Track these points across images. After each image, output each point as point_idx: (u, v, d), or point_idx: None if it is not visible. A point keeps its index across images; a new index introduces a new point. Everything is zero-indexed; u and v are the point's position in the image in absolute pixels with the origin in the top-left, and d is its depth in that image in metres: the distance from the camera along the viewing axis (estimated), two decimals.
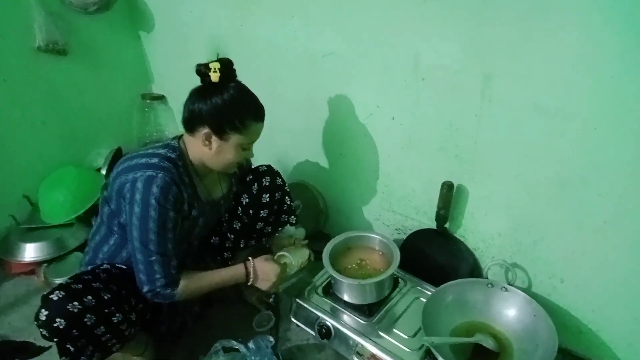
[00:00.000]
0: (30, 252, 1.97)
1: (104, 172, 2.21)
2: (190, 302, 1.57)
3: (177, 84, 2.39)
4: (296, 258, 1.59)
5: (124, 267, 1.38)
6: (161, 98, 2.43)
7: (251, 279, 1.44)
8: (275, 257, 1.56)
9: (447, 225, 1.63)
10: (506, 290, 1.43)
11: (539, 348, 1.28)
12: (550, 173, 1.32)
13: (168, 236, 1.28)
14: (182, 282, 1.32)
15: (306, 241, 1.72)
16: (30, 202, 2.12)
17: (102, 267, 1.35)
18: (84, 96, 2.27)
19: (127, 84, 2.45)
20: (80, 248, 1.97)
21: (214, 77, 1.27)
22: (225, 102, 1.27)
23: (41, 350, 1.62)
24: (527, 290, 1.46)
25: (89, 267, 1.38)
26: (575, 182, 1.28)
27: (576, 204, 1.31)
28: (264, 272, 1.45)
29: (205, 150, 1.33)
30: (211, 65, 1.27)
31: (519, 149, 1.35)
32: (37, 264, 1.95)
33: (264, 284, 1.46)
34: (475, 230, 1.59)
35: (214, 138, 1.31)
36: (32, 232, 2.02)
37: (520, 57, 1.24)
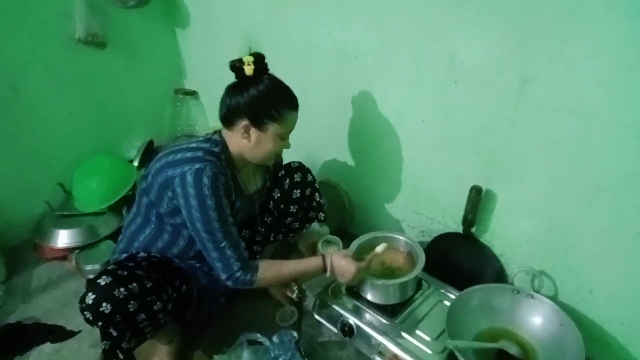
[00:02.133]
0: (64, 238, 2.03)
1: (136, 163, 2.27)
2: (217, 293, 1.60)
3: (209, 81, 2.44)
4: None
5: (158, 256, 1.41)
6: (193, 94, 2.48)
7: (329, 271, 1.43)
8: (319, 244, 1.57)
9: (473, 230, 1.62)
10: (532, 297, 1.41)
11: (564, 358, 1.26)
12: (584, 180, 1.30)
13: (229, 221, 1.31)
14: (260, 268, 1.35)
15: (334, 238, 1.71)
16: (64, 189, 2.18)
17: (139, 256, 1.39)
18: (119, 88, 2.34)
19: (160, 78, 2.51)
20: (111, 236, 2.02)
21: (249, 70, 1.31)
22: (261, 93, 1.31)
23: (71, 334, 1.67)
24: (554, 299, 1.44)
25: (124, 255, 1.43)
26: (610, 191, 1.26)
27: (610, 214, 1.28)
28: (340, 266, 1.42)
29: (244, 142, 1.37)
30: (245, 59, 1.31)
31: (553, 154, 1.33)
32: (70, 250, 2.01)
33: (339, 278, 1.45)
34: (502, 235, 1.58)
35: (252, 129, 1.34)
36: (66, 218, 2.08)
37: (558, 60, 1.22)
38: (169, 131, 2.51)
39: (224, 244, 1.29)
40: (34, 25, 1.96)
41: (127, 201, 2.10)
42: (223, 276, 1.32)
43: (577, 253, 1.40)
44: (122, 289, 1.18)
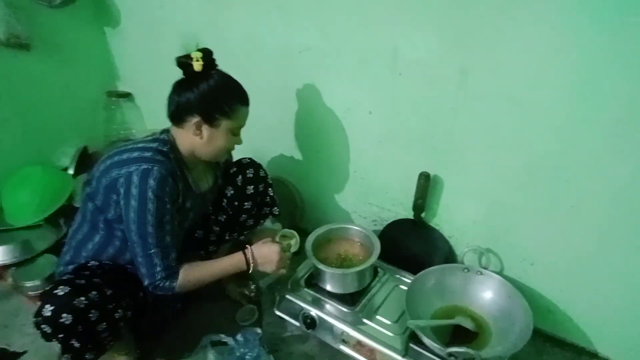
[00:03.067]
0: None
1: (71, 171, 2.15)
2: (172, 298, 1.55)
3: (145, 81, 2.36)
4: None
5: (110, 263, 1.36)
6: (127, 96, 2.39)
7: (252, 265, 1.40)
8: (276, 238, 1.56)
9: (423, 215, 1.70)
10: (481, 274, 1.51)
11: (515, 327, 1.35)
12: (521, 162, 1.40)
13: (166, 229, 1.27)
14: (181, 274, 1.31)
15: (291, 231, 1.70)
16: None
17: (91, 264, 1.34)
18: (47, 93, 2.20)
19: (91, 81, 2.39)
20: (50, 250, 1.90)
21: (197, 66, 1.28)
22: (211, 88, 1.30)
23: (16, 355, 1.56)
24: (500, 274, 1.54)
25: (71, 267, 1.35)
26: (545, 170, 1.37)
27: (545, 190, 1.40)
28: (263, 255, 1.41)
29: (196, 140, 1.34)
30: (193, 55, 1.29)
31: (492, 139, 1.42)
32: (5, 267, 1.87)
33: (268, 267, 1.42)
34: (450, 219, 1.67)
35: (204, 126, 1.32)
36: None
37: (495, 51, 1.30)
38: (103, 136, 2.41)
39: (153, 251, 1.26)
40: None
41: (65, 212, 1.98)
42: (145, 282, 1.28)
43: (518, 230, 1.52)
44: (82, 298, 1.14)
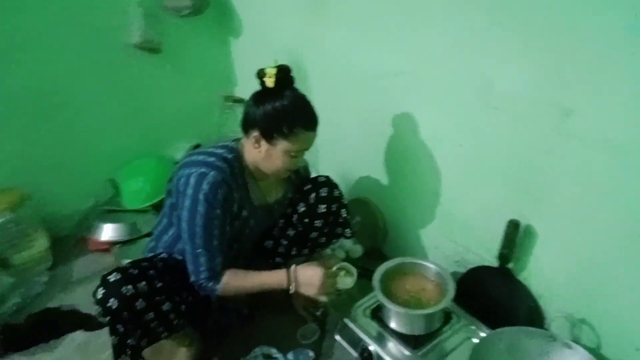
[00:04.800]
0: (108, 232, 2.13)
1: (177, 167, 2.34)
2: (240, 303, 1.60)
3: (257, 89, 2.48)
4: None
5: (179, 257, 1.43)
6: (242, 101, 2.52)
7: (292, 285, 1.38)
8: (332, 267, 1.54)
9: (510, 266, 1.52)
10: (569, 347, 1.30)
11: None
12: (622, 223, 1.19)
13: (214, 233, 1.32)
14: (224, 278, 1.35)
15: (351, 267, 1.59)
16: (113, 185, 2.28)
17: (160, 256, 1.43)
18: (170, 93, 2.41)
19: (211, 85, 2.57)
20: (150, 235, 2.09)
21: (269, 82, 1.30)
22: (275, 107, 1.29)
23: (100, 325, 1.73)
24: (594, 352, 1.31)
25: (149, 254, 1.47)
26: None
27: None
28: (306, 276, 1.38)
29: (256, 152, 1.37)
30: (267, 71, 1.31)
31: (590, 191, 1.23)
32: (112, 243, 2.10)
33: (308, 289, 1.39)
34: (540, 275, 1.46)
35: (262, 141, 1.33)
36: (111, 214, 2.18)
37: (602, 92, 1.13)
38: (216, 136, 2.57)
39: (199, 250, 1.31)
40: (92, 32, 2.07)
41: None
42: (191, 279, 1.34)
43: (621, 303, 1.27)
44: (129, 287, 1.21)
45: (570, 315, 1.37)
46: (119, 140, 2.29)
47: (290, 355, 1.44)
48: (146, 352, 1.36)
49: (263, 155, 1.36)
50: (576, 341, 1.31)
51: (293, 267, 1.39)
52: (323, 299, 1.41)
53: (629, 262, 1.23)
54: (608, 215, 1.23)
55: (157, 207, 2.17)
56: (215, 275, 1.34)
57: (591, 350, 1.29)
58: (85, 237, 2.15)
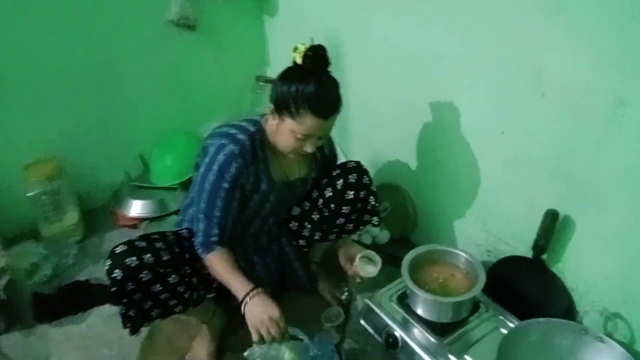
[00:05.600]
0: (137, 208, 2.16)
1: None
2: (264, 283, 1.60)
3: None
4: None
5: None
6: (274, 81, 2.51)
7: (243, 304, 1.30)
8: (356, 259, 1.54)
9: (544, 257, 1.49)
10: (602, 341, 1.26)
11: None
12: None
13: (217, 204, 1.35)
14: (212, 254, 1.37)
15: (375, 255, 1.58)
16: (143, 162, 2.31)
17: (176, 231, 1.47)
18: (204, 71, 2.42)
19: (244, 64, 2.56)
20: (178, 212, 2.11)
21: (297, 58, 1.29)
22: (291, 84, 1.28)
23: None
24: (627, 347, 1.28)
25: (176, 229, 1.50)
26: None
27: None
28: (257, 307, 1.29)
29: (270, 124, 1.37)
30: (298, 46, 1.29)
31: None
32: (141, 219, 2.13)
33: (249, 317, 1.29)
34: (576, 268, 1.43)
35: (276, 115, 1.33)
36: (141, 190, 2.21)
37: None
38: (247, 116, 2.57)
39: (201, 215, 1.36)
40: (131, 8, 2.08)
41: None
42: (193, 239, 1.40)
43: None
44: (133, 258, 1.22)
45: (605, 309, 1.33)
46: (153, 116, 2.32)
47: (316, 337, 1.43)
48: (170, 328, 1.38)
49: (274, 128, 1.36)
50: (609, 336, 1.28)
51: (257, 290, 1.31)
52: (254, 335, 1.28)
53: None
54: None
55: (186, 185, 2.19)
56: (208, 244, 1.37)
57: (624, 345, 1.26)
58: (115, 212, 2.18)
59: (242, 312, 1.31)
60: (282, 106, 1.30)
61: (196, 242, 1.39)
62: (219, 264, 1.38)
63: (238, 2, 2.35)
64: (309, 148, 1.36)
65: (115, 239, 2.11)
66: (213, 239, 1.37)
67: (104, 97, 2.15)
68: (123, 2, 2.05)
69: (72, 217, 2.07)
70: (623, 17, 1.11)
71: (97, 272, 1.91)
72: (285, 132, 1.33)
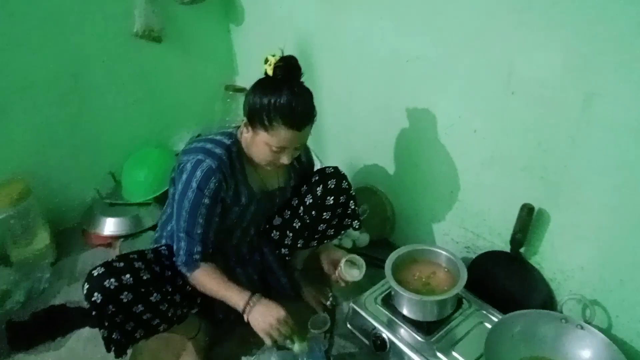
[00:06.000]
0: (110, 226, 2.10)
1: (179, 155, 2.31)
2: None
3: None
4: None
5: None
6: (243, 90, 2.50)
7: (246, 313, 1.30)
8: (341, 263, 1.54)
9: (522, 250, 1.53)
10: (582, 328, 1.31)
11: None
12: None
13: (199, 221, 1.33)
14: (197, 272, 1.36)
15: (360, 259, 1.57)
16: (114, 178, 2.26)
17: (154, 248, 1.44)
18: (172, 82, 2.39)
19: (213, 74, 2.55)
20: (155, 227, 2.06)
21: (268, 70, 1.27)
22: (263, 97, 1.25)
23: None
24: (606, 332, 1.33)
25: (155, 245, 1.47)
26: None
27: None
28: (261, 312, 1.29)
29: (245, 137, 1.36)
30: (269, 59, 1.27)
31: (616, 178, 1.23)
32: (115, 237, 2.08)
33: (257, 324, 1.29)
34: (553, 259, 1.48)
35: (249, 127, 1.32)
36: (114, 207, 2.16)
37: (629, 78, 1.12)
38: (218, 126, 2.54)
39: (181, 234, 1.34)
40: (97, 20, 2.04)
41: None
42: (174, 258, 1.38)
43: (636, 286, 1.29)
44: (112, 280, 1.19)
45: (582, 297, 1.38)
46: (122, 130, 2.27)
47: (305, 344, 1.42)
48: (155, 345, 1.35)
49: (249, 141, 1.35)
50: (588, 322, 1.32)
51: (256, 297, 1.32)
52: (267, 340, 1.29)
53: None
54: (630, 204, 1.23)
55: (161, 200, 2.15)
56: (191, 262, 1.35)
57: (603, 331, 1.31)
58: (88, 231, 2.12)
59: (246, 321, 1.30)
60: (255, 119, 1.28)
61: (178, 261, 1.36)
62: (208, 280, 1.36)
63: (204, 12, 2.32)
64: (285, 160, 1.34)
65: (89, 259, 2.06)
66: (196, 256, 1.35)
67: (70, 112, 2.10)
68: (88, 14, 2.01)
69: (43, 239, 2.00)
70: (589, 14, 1.15)
71: (73, 294, 1.85)
72: (260, 144, 1.32)
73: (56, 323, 1.73)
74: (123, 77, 2.20)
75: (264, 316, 1.28)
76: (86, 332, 1.69)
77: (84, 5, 1.98)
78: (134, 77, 2.23)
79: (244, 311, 1.30)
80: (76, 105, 2.10)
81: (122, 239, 2.06)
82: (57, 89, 2.02)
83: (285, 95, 1.25)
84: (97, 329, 1.61)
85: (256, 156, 1.36)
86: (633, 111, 1.14)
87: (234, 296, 1.32)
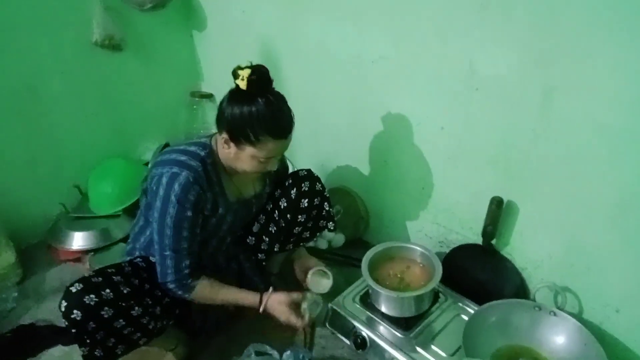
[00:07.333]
0: (78, 240, 2.03)
1: (150, 166, 2.26)
2: None
3: (225, 84, 2.40)
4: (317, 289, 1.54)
5: (154, 259, 1.39)
6: (209, 96, 2.47)
7: (262, 311, 1.42)
8: (309, 274, 1.55)
9: (493, 242, 1.57)
10: (555, 314, 1.36)
11: None
12: (610, 196, 1.24)
13: (183, 235, 1.30)
14: (198, 288, 1.35)
15: (328, 271, 1.59)
16: (80, 191, 2.18)
17: (130, 261, 1.41)
18: (136, 91, 2.32)
19: (177, 81, 2.49)
20: (125, 239, 2.02)
21: (241, 84, 1.21)
22: (243, 112, 1.22)
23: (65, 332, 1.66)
24: (578, 317, 1.38)
25: (128, 258, 1.44)
26: (637, 208, 1.20)
27: (637, 232, 1.22)
28: (274, 309, 1.42)
29: (226, 152, 1.32)
30: (240, 72, 1.21)
31: (577, 168, 1.28)
32: (84, 252, 2.01)
33: (278, 314, 1.43)
34: (523, 249, 1.52)
35: (231, 144, 1.28)
36: (80, 220, 2.08)
37: (585, 70, 1.17)
38: (185, 134, 2.50)
39: (167, 252, 1.30)
40: (53, 29, 1.96)
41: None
42: (159, 280, 1.33)
43: (603, 270, 1.34)
44: (92, 296, 1.17)
45: (553, 284, 1.42)
46: (86, 142, 2.19)
47: (287, 353, 1.41)
48: (134, 357, 1.34)
49: (232, 156, 1.32)
50: (560, 308, 1.37)
51: (269, 291, 1.42)
52: (298, 323, 1.42)
53: (612, 238, 1.29)
54: (593, 194, 1.28)
55: (129, 211, 2.10)
56: (181, 280, 1.33)
57: (575, 316, 1.36)
58: (55, 247, 2.05)
59: (268, 316, 1.42)
60: (239, 135, 1.25)
61: (168, 281, 1.32)
62: (214, 292, 1.39)
63: (165, 18, 2.27)
64: (272, 167, 1.36)
65: (57, 275, 1.99)
66: (185, 271, 1.33)
67: (27, 125, 2.01)
68: (42, 23, 1.92)
69: (7, 257, 1.91)
70: (544, 10, 1.19)
71: (42, 313, 1.79)
72: (246, 159, 1.30)
73: (25, 343, 1.67)
74: (83, 88, 2.12)
75: (282, 305, 1.40)
76: (57, 350, 1.62)
77: (37, 14, 1.90)
78: (94, 88, 2.16)
79: (259, 308, 1.40)
80: (34, 118, 2.01)
81: (91, 253, 1.99)
82: (11, 102, 1.93)
83: (265, 107, 1.23)
84: (68, 347, 1.60)
85: (242, 169, 1.34)
86: (590, 103, 1.19)
87: (248, 297, 1.42)
